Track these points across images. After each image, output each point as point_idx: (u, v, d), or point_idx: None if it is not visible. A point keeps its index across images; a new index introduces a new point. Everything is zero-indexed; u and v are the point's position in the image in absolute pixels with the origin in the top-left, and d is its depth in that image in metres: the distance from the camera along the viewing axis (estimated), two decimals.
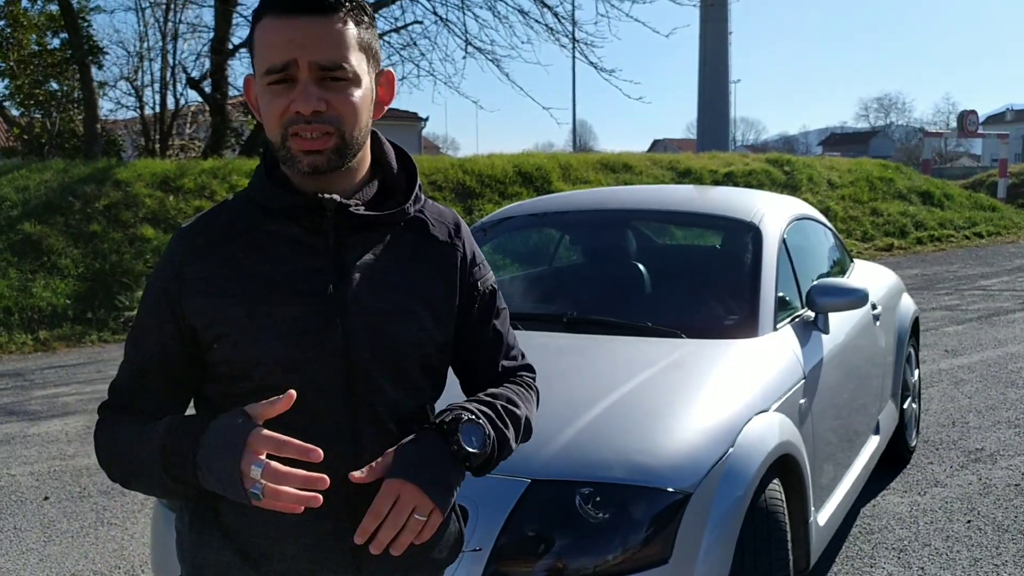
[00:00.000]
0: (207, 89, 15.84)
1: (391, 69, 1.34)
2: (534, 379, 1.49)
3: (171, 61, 16.51)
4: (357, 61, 1.22)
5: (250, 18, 1.26)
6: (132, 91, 17.11)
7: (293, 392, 1.14)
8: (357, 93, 1.23)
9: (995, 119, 72.88)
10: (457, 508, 1.39)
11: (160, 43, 16.73)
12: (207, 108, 16.58)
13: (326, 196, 1.24)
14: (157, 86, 16.81)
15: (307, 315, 1.23)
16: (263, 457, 1.11)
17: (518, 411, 1.36)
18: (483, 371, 1.43)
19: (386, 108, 1.33)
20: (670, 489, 2.13)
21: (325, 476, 1.11)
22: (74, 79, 16.04)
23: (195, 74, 16.34)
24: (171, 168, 11.70)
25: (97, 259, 9.70)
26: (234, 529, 1.27)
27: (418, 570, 1.33)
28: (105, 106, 16.68)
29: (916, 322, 4.96)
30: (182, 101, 17.01)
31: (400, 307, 1.28)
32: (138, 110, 17.09)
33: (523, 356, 1.49)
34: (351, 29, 1.22)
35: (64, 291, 9.18)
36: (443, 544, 1.36)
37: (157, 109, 16.80)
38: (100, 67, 16.28)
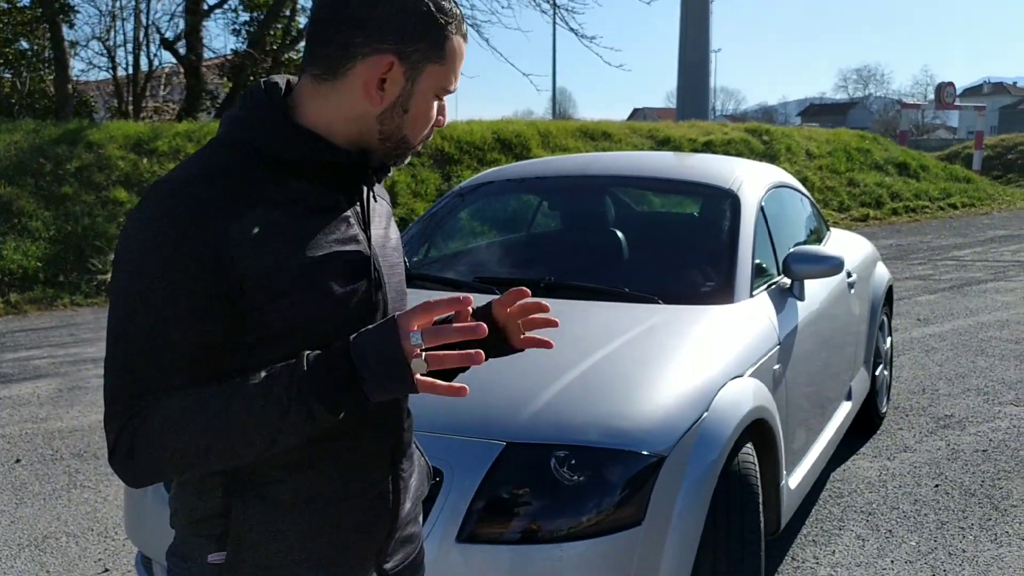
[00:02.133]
0: (181, 51, 15.58)
1: None
2: None
3: (144, 21, 16.22)
4: None
5: (448, 16, 1.21)
6: (104, 51, 16.81)
7: (469, 296, 1.16)
8: None
9: (972, 92, 73.33)
10: (418, 445, 1.47)
11: (133, 2, 16.40)
12: (181, 70, 16.32)
13: (373, 153, 1.25)
14: (130, 47, 16.53)
15: (357, 275, 1.23)
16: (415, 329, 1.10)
17: None
18: None
19: None
20: (644, 452, 2.15)
21: (481, 352, 1.11)
22: (44, 38, 15.71)
23: (169, 35, 16.08)
24: (144, 130, 11.52)
25: (69, 221, 9.57)
26: (283, 497, 1.22)
27: (419, 497, 1.43)
28: (76, 66, 16.38)
29: (890, 291, 5.01)
30: (156, 62, 16.75)
31: (397, 263, 1.36)
32: (110, 71, 16.80)
33: None
34: None
35: (35, 254, 9.05)
36: (423, 476, 1.46)
37: (130, 70, 16.52)
38: (71, 26, 15.95)
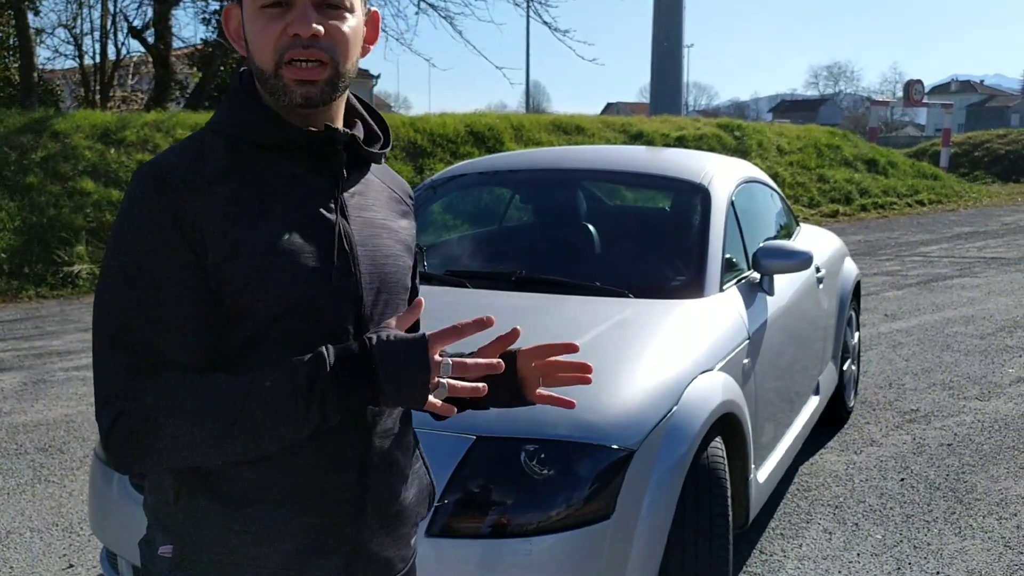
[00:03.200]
0: (150, 39, 15.38)
1: (376, 9, 1.30)
2: None
3: (112, 9, 15.98)
4: None
5: None
6: (71, 39, 16.59)
7: (491, 318, 1.14)
8: (352, 23, 1.19)
9: (940, 89, 74.28)
10: (427, 462, 1.42)
11: None
12: (150, 59, 16.11)
13: (340, 129, 1.21)
14: (97, 35, 16.31)
15: (324, 256, 1.19)
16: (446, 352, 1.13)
17: None
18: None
19: (371, 49, 1.29)
20: (614, 446, 2.15)
21: (501, 362, 1.14)
22: (9, 25, 15.42)
23: (137, 23, 15.88)
24: (112, 120, 11.35)
25: (34, 212, 9.41)
26: (233, 495, 1.17)
27: (409, 519, 1.34)
28: (42, 54, 16.23)
29: (858, 286, 5.06)
30: (124, 51, 16.54)
31: (392, 252, 1.29)
32: (77, 59, 16.55)
33: None
34: None
35: (0, 245, 8.90)
36: (423, 496, 1.38)
37: (97, 59, 16.28)
38: (37, 13, 15.68)
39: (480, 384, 1.13)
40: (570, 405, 1.33)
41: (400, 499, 1.30)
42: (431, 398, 1.11)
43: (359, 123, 1.30)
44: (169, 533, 1.21)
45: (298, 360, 1.11)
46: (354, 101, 1.33)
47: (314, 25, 1.13)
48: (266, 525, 1.18)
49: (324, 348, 1.12)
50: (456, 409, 1.14)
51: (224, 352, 1.16)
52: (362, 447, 1.23)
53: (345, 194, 1.24)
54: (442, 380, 1.10)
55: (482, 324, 1.13)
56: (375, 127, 1.33)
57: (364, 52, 1.27)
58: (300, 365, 1.10)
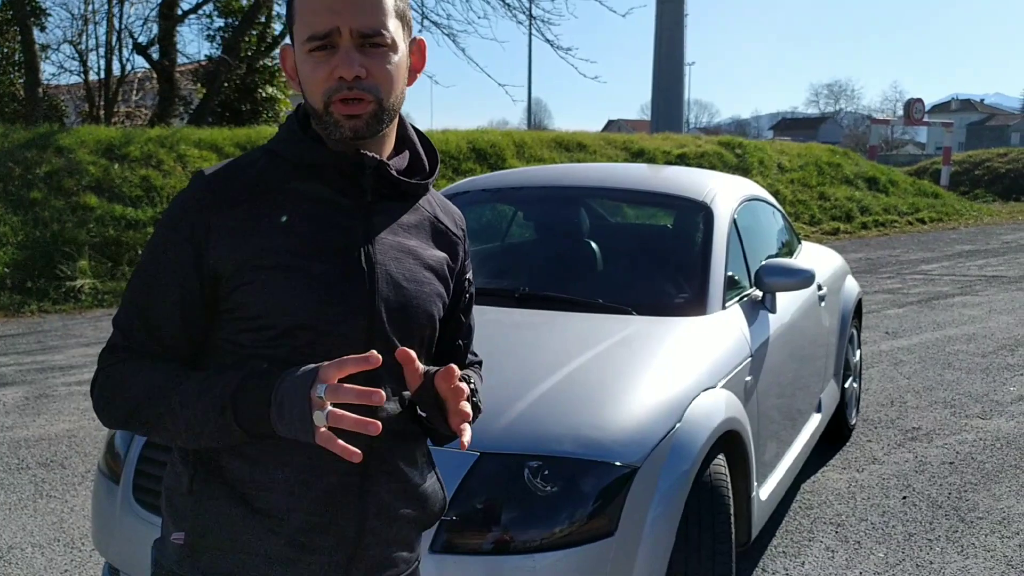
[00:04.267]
0: (154, 55, 15.46)
1: (422, 37, 1.36)
2: (480, 367, 1.57)
3: (117, 25, 16.09)
4: (394, 28, 1.25)
5: None
6: (76, 55, 16.67)
7: (375, 354, 1.13)
8: (394, 59, 1.25)
9: (940, 108, 74.51)
10: (442, 481, 1.43)
11: (106, 6, 16.27)
12: (154, 75, 16.19)
13: (368, 154, 1.26)
14: (102, 51, 16.40)
15: (337, 273, 1.24)
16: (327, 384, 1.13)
17: (480, 403, 1.41)
18: (450, 357, 1.46)
19: (418, 76, 1.35)
20: (617, 463, 2.16)
21: (378, 423, 1.11)
22: (15, 41, 15.52)
23: (142, 39, 15.97)
24: (116, 135, 11.40)
25: (38, 227, 9.44)
26: (241, 481, 1.24)
27: (414, 527, 1.37)
28: (47, 70, 16.24)
29: (859, 304, 5.07)
30: (128, 67, 16.61)
31: (418, 278, 1.32)
32: (82, 75, 16.63)
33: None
34: None
35: (3, 259, 8.92)
36: (433, 503, 1.39)
37: (102, 75, 16.36)
38: (42, 29, 15.79)
39: (373, 420, 1.11)
40: (462, 446, 1.24)
41: (402, 508, 1.33)
42: (321, 428, 1.10)
43: (406, 153, 1.36)
44: (182, 520, 1.27)
45: (230, 370, 1.20)
46: (410, 132, 1.39)
47: (357, 68, 1.20)
48: (265, 516, 1.24)
49: (251, 368, 1.20)
50: (360, 455, 1.11)
51: (239, 357, 1.24)
52: (365, 450, 1.23)
53: (378, 218, 1.29)
54: (324, 405, 1.10)
55: (365, 362, 1.12)
56: (424, 159, 1.38)
57: (412, 80, 1.33)
58: (224, 375, 1.19)
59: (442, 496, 1.43)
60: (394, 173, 1.29)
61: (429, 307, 1.33)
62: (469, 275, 1.47)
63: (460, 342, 1.48)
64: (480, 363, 1.56)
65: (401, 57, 1.27)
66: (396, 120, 1.32)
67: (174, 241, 1.25)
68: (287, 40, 1.30)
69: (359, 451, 1.11)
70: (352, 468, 1.25)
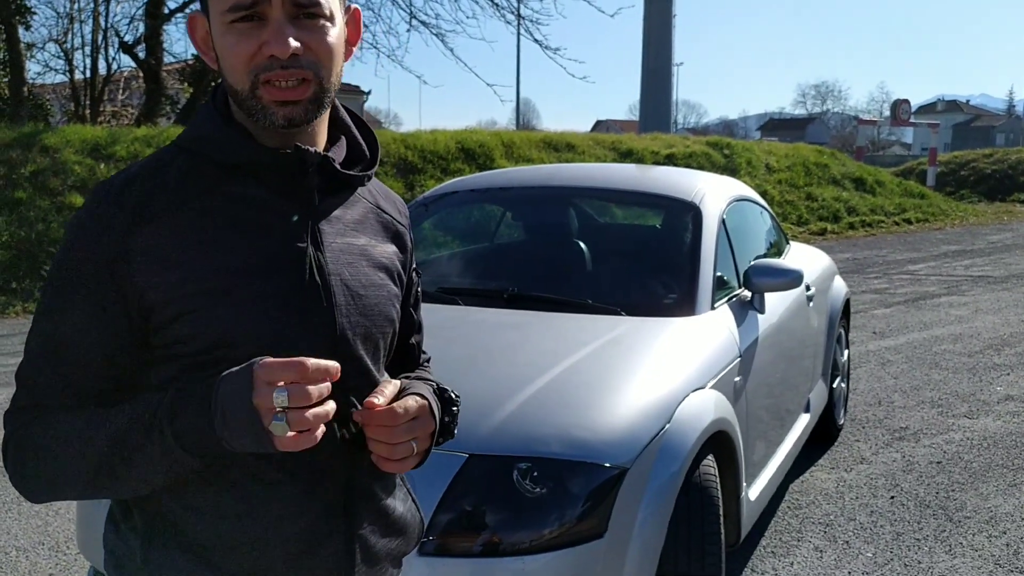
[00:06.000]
0: (141, 54, 15.38)
1: (356, 5, 1.18)
2: (430, 363, 1.44)
3: (103, 24, 15.98)
4: None
5: None
6: (61, 54, 16.56)
7: (336, 365, 0.99)
8: (333, 32, 1.08)
9: (927, 109, 74.98)
10: (415, 498, 1.34)
11: (91, 4, 16.17)
12: (141, 74, 16.11)
13: (310, 149, 1.08)
14: (88, 49, 16.29)
15: (288, 288, 1.08)
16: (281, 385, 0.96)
17: (454, 428, 1.31)
18: (403, 356, 1.36)
19: (354, 50, 1.17)
20: (607, 464, 2.15)
21: (332, 403, 0.98)
22: (0, 40, 15.40)
23: (128, 38, 15.87)
24: (102, 135, 11.33)
25: (23, 227, 9.37)
26: (203, 545, 1.08)
27: (397, 559, 1.28)
28: (32, 69, 16.13)
29: (847, 304, 5.08)
30: (114, 66, 16.51)
31: (374, 282, 1.18)
32: (68, 74, 16.53)
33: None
34: None
35: None
36: (412, 530, 1.30)
37: (88, 74, 16.26)
38: (28, 28, 15.65)
39: (327, 407, 0.98)
40: (369, 404, 1.11)
41: (386, 546, 1.23)
42: (281, 436, 0.95)
43: (343, 140, 1.20)
44: None
45: (156, 394, 1.04)
46: (343, 114, 1.21)
47: (292, 43, 1.03)
48: (233, 556, 1.09)
49: (179, 385, 1.04)
50: (319, 435, 0.98)
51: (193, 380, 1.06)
52: (334, 492, 1.14)
53: (321, 219, 1.13)
54: (278, 411, 0.95)
55: (327, 372, 0.98)
56: (363, 144, 1.22)
57: (348, 55, 1.15)
58: (153, 398, 1.03)
59: (419, 519, 1.32)
60: (339, 168, 1.13)
61: (388, 310, 1.20)
62: (415, 266, 1.33)
63: (412, 340, 1.35)
64: (429, 359, 1.43)
65: (339, 29, 1.10)
66: (331, 104, 1.14)
67: (84, 276, 1.05)
68: (196, 5, 1.11)
69: (317, 434, 0.97)
70: (334, 507, 1.13)
